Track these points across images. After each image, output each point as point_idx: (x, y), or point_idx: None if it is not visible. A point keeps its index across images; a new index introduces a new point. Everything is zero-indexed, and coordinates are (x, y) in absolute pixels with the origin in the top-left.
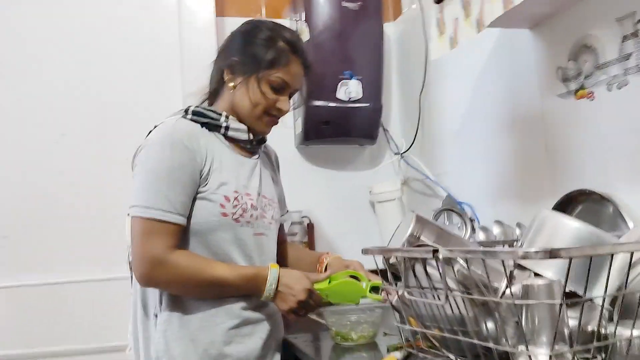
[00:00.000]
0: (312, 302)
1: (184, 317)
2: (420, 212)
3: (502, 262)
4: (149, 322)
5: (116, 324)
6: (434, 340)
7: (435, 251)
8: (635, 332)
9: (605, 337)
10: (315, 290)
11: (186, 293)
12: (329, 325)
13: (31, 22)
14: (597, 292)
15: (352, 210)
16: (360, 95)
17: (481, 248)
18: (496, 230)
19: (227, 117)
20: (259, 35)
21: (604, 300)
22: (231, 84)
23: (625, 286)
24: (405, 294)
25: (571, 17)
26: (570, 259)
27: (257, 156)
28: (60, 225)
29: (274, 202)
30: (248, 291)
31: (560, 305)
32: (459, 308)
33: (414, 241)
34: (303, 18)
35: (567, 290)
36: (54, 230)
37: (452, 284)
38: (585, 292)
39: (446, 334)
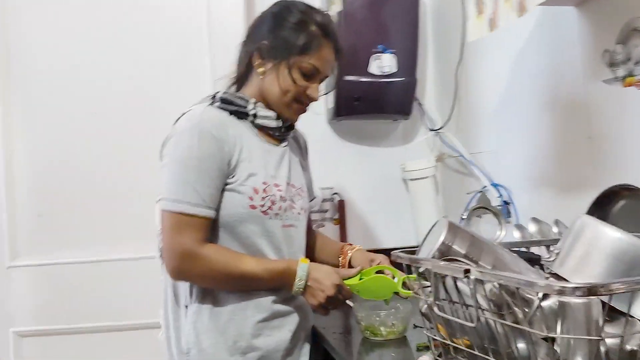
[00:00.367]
0: (341, 297)
1: (214, 310)
2: (455, 195)
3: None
4: (179, 312)
5: (150, 301)
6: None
7: (467, 271)
8: None
9: None
10: (345, 286)
11: (216, 287)
12: (358, 320)
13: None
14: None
15: (384, 187)
16: (394, 70)
17: (514, 275)
18: (532, 229)
19: (255, 104)
20: (289, 18)
21: None
22: (260, 69)
23: None
24: (436, 309)
25: None
26: (611, 295)
27: (285, 143)
28: (94, 204)
29: (303, 191)
30: (278, 285)
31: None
32: (489, 326)
33: (445, 250)
34: None
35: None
36: (87, 209)
37: (483, 301)
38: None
39: (476, 352)
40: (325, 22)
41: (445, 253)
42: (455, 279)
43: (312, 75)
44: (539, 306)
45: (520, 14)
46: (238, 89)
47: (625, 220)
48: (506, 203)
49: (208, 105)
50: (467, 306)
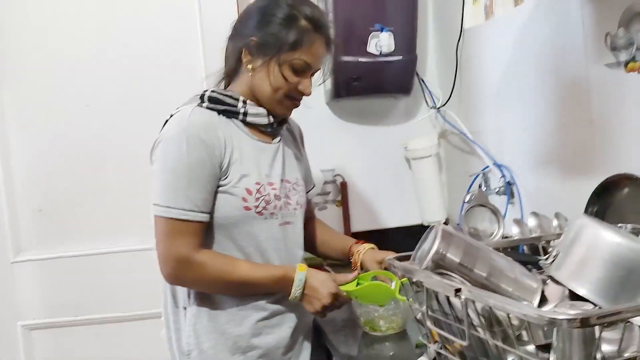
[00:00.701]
0: (337, 305)
1: (212, 312)
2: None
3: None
4: (179, 314)
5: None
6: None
7: (458, 290)
8: None
9: None
10: (342, 292)
11: (213, 292)
12: (358, 315)
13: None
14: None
15: (386, 167)
16: (392, 49)
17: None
18: (532, 223)
19: (244, 102)
20: (278, 13)
21: None
22: (250, 66)
23: None
24: (429, 323)
25: None
26: (603, 326)
27: (278, 139)
28: (94, 197)
29: (299, 185)
30: (276, 291)
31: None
32: (481, 342)
33: (439, 259)
34: None
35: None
36: (87, 202)
37: (474, 315)
38: None
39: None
40: (315, 15)
41: (439, 261)
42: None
43: (304, 71)
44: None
45: (517, 4)
46: (227, 85)
47: (626, 209)
48: (509, 184)
49: (196, 106)
50: (460, 320)
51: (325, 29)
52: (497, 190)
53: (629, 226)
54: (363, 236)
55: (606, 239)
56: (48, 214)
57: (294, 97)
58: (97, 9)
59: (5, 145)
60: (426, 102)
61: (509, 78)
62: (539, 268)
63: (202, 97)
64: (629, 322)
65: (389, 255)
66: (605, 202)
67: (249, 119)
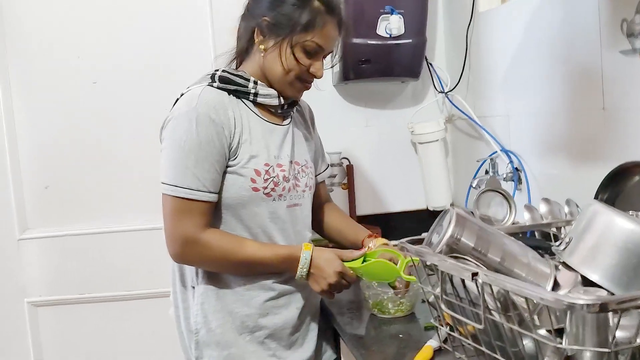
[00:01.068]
0: (344, 283)
1: (220, 291)
2: (466, 158)
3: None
4: (187, 293)
5: (161, 271)
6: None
7: (475, 274)
8: None
9: None
10: (349, 271)
11: (220, 271)
12: (366, 297)
13: None
14: None
15: (393, 150)
16: (402, 32)
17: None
18: (543, 209)
19: (255, 82)
20: None
21: None
22: (262, 47)
23: None
24: (443, 306)
25: None
26: (620, 313)
27: (288, 120)
28: (100, 175)
29: (308, 167)
30: (281, 270)
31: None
32: (496, 325)
33: (453, 243)
34: None
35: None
36: (93, 180)
37: (489, 299)
38: None
39: (483, 348)
40: None
41: (453, 245)
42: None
43: (316, 53)
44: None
45: None
46: (239, 65)
47: (637, 197)
48: (517, 170)
49: (207, 86)
50: (474, 304)
51: (338, 10)
52: (504, 176)
53: None
54: (368, 219)
55: (620, 226)
56: (54, 191)
57: (305, 80)
58: None
59: (12, 122)
60: (434, 86)
61: (520, 63)
62: (551, 254)
63: (212, 76)
64: None
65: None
66: (616, 189)
67: (259, 99)
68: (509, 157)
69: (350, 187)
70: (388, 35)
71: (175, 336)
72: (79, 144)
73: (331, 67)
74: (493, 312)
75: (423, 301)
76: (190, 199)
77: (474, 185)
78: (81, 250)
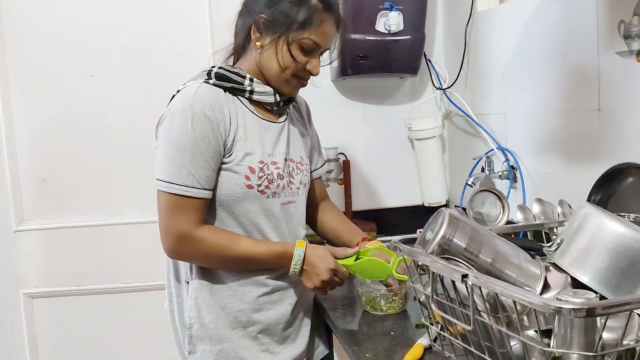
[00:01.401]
0: (337, 280)
1: (214, 286)
2: (462, 154)
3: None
4: (181, 288)
5: (156, 264)
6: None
7: (465, 276)
8: None
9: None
10: (341, 268)
11: (214, 267)
12: (359, 295)
13: None
14: None
15: (389, 146)
16: (401, 28)
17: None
18: (536, 210)
19: (251, 80)
20: None
21: None
22: (258, 44)
23: None
24: (433, 306)
25: None
26: (607, 316)
27: (284, 117)
28: (97, 168)
29: (302, 164)
30: (275, 266)
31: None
32: (485, 326)
33: (445, 244)
34: None
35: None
36: (90, 173)
37: (479, 301)
38: None
39: (472, 348)
40: None
41: (445, 246)
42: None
43: (312, 51)
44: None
45: None
46: (235, 61)
47: (629, 199)
48: (512, 168)
49: (203, 83)
50: (464, 305)
51: (336, 8)
52: (500, 174)
53: (632, 215)
54: (364, 215)
55: (611, 229)
56: (51, 183)
57: (301, 77)
58: None
59: (9, 114)
60: (432, 82)
61: (517, 61)
62: (543, 255)
63: (209, 73)
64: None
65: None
66: (609, 190)
67: (255, 97)
68: (505, 155)
69: (346, 182)
70: (387, 31)
71: (170, 329)
72: (76, 137)
73: (329, 64)
74: (482, 313)
75: (415, 299)
76: (185, 196)
77: (469, 183)
78: (77, 242)
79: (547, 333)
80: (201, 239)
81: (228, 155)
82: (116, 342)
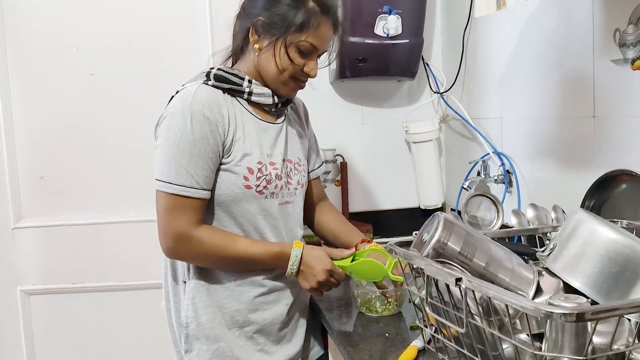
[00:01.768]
0: (333, 281)
1: (211, 286)
2: (459, 158)
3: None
4: (178, 287)
5: (152, 263)
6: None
7: (459, 279)
8: None
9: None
10: (338, 269)
11: (211, 266)
12: (355, 296)
13: None
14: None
15: (387, 149)
16: (399, 32)
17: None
18: (530, 214)
19: (250, 81)
20: None
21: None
22: (256, 46)
23: None
24: (427, 308)
25: None
26: (597, 321)
27: (282, 119)
28: (95, 166)
29: (300, 165)
30: (272, 267)
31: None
32: (478, 329)
33: (440, 247)
34: None
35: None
36: (89, 171)
37: (472, 304)
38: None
39: (465, 351)
40: None
41: (440, 250)
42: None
43: (310, 53)
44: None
45: None
46: (234, 63)
47: (622, 205)
48: (508, 172)
49: (202, 84)
50: (458, 308)
51: (334, 11)
52: (495, 178)
53: (625, 222)
54: (360, 216)
55: (602, 235)
56: (50, 181)
57: (299, 79)
58: None
59: (9, 111)
60: (430, 86)
61: (514, 67)
62: (536, 259)
63: (208, 74)
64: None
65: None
66: (603, 196)
67: (253, 98)
68: (501, 159)
69: (343, 184)
70: (385, 35)
71: (166, 328)
72: (75, 135)
73: (326, 66)
74: (475, 316)
75: (410, 301)
76: (184, 196)
77: (465, 187)
78: (75, 240)
79: (539, 337)
80: (199, 239)
81: (227, 155)
82: (113, 340)
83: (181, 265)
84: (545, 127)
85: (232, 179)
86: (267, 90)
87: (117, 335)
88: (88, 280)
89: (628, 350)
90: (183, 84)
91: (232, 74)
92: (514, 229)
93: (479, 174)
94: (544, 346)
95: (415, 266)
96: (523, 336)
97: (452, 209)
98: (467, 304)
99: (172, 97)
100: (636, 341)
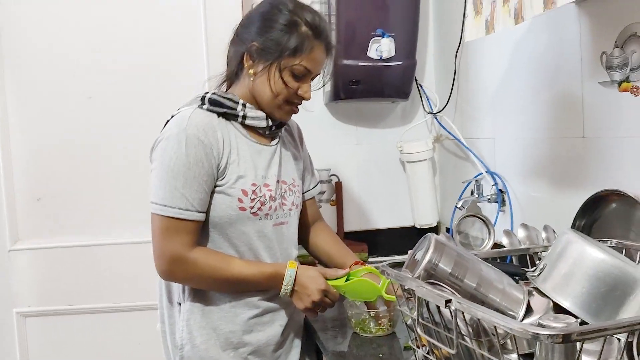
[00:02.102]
0: (328, 301)
1: (205, 308)
2: (453, 177)
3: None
4: (173, 309)
5: (148, 284)
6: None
7: (448, 301)
8: None
9: None
10: (332, 289)
11: (206, 288)
12: (349, 317)
13: None
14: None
15: (381, 168)
16: (392, 54)
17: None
18: (521, 235)
19: (244, 105)
20: (279, 19)
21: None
22: (251, 71)
23: None
24: (418, 329)
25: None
26: (583, 341)
27: (276, 141)
28: (92, 188)
29: (295, 186)
30: (266, 287)
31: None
32: (468, 350)
33: (431, 269)
34: None
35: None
36: (85, 193)
37: (462, 325)
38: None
39: None
40: (315, 21)
41: (431, 271)
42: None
43: (304, 76)
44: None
45: (517, 22)
46: (228, 87)
47: (613, 224)
48: (501, 192)
49: (197, 108)
50: (449, 329)
51: (326, 34)
52: (488, 197)
53: (614, 241)
54: (355, 236)
55: (591, 255)
56: (46, 203)
57: (293, 102)
58: (101, 6)
59: (6, 133)
60: (423, 107)
61: (505, 88)
62: (527, 279)
63: (202, 99)
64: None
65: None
66: (593, 215)
67: (247, 121)
68: (494, 179)
69: (338, 203)
70: (379, 57)
71: (161, 349)
72: (71, 158)
73: (320, 87)
74: (465, 337)
75: (403, 321)
76: (179, 219)
77: (458, 206)
78: (71, 261)
79: (529, 356)
80: (194, 261)
81: (221, 178)
82: None
83: (176, 287)
84: (536, 147)
85: (226, 201)
86: (261, 114)
87: (113, 357)
88: (84, 302)
89: None
90: (178, 108)
91: (227, 98)
92: (505, 249)
93: (472, 193)
94: None
95: (406, 287)
96: (514, 356)
97: (447, 228)
98: (457, 325)
99: (168, 121)
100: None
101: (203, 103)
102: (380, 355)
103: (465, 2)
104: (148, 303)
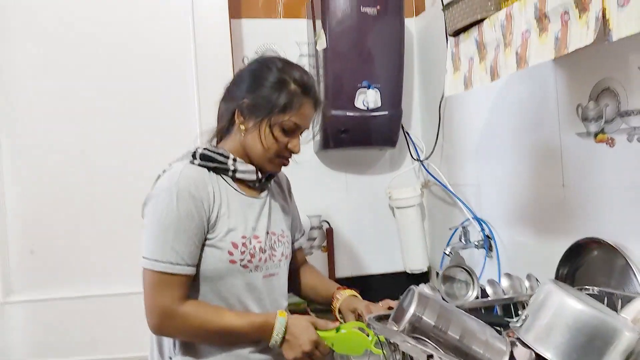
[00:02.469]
0: (318, 354)
1: None
2: (441, 222)
3: None
4: None
5: (143, 336)
6: None
7: (430, 356)
8: None
9: None
10: (323, 341)
11: (197, 341)
12: None
13: (49, 41)
14: None
15: (371, 214)
16: (378, 105)
17: None
18: (505, 284)
19: (234, 159)
20: (269, 77)
21: None
22: (242, 127)
23: None
24: None
25: (596, 55)
26: None
27: (265, 192)
28: (85, 240)
29: (284, 237)
30: (257, 338)
31: None
32: None
33: (415, 321)
34: (320, 25)
35: None
36: (79, 245)
37: None
38: None
39: None
40: (304, 79)
41: (415, 324)
42: None
43: (293, 131)
44: None
45: (494, 79)
46: (218, 142)
47: (595, 271)
48: (488, 237)
49: (188, 163)
50: None
51: (314, 91)
52: (476, 243)
53: (596, 289)
54: (347, 282)
55: (570, 306)
56: (40, 256)
57: (283, 156)
58: (94, 59)
59: (1, 188)
60: (410, 154)
61: (488, 137)
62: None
63: (194, 154)
64: None
65: (365, 304)
66: (576, 262)
67: (238, 175)
68: (480, 224)
69: (329, 249)
70: (366, 108)
71: None
72: (65, 211)
73: (309, 141)
74: None
75: None
76: (169, 273)
77: (447, 253)
78: (64, 313)
79: None
80: (184, 314)
81: (212, 231)
82: None
83: (167, 341)
84: (520, 195)
85: (216, 254)
86: (251, 167)
87: None
88: (77, 354)
89: None
90: (170, 163)
91: (218, 153)
92: (489, 299)
93: (460, 239)
94: None
95: (392, 341)
96: None
97: (437, 273)
98: None
99: (159, 176)
100: None
101: (195, 158)
102: None
103: (446, 58)
104: (141, 354)
